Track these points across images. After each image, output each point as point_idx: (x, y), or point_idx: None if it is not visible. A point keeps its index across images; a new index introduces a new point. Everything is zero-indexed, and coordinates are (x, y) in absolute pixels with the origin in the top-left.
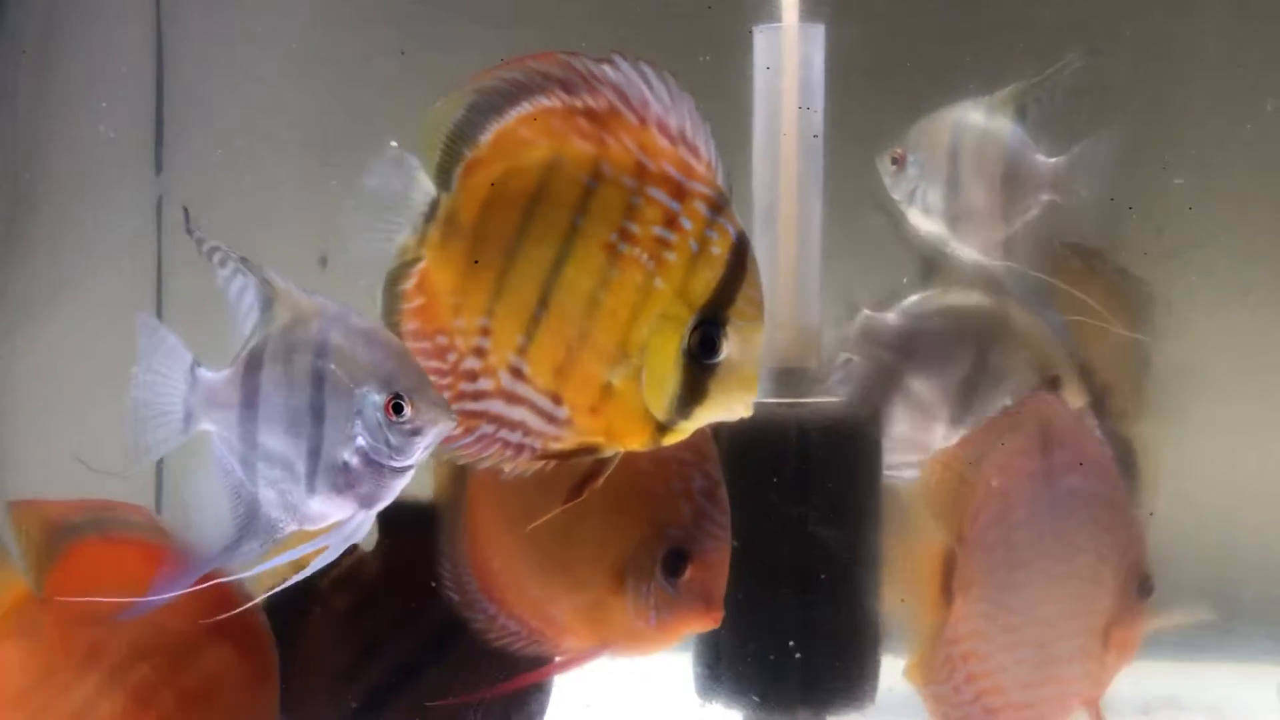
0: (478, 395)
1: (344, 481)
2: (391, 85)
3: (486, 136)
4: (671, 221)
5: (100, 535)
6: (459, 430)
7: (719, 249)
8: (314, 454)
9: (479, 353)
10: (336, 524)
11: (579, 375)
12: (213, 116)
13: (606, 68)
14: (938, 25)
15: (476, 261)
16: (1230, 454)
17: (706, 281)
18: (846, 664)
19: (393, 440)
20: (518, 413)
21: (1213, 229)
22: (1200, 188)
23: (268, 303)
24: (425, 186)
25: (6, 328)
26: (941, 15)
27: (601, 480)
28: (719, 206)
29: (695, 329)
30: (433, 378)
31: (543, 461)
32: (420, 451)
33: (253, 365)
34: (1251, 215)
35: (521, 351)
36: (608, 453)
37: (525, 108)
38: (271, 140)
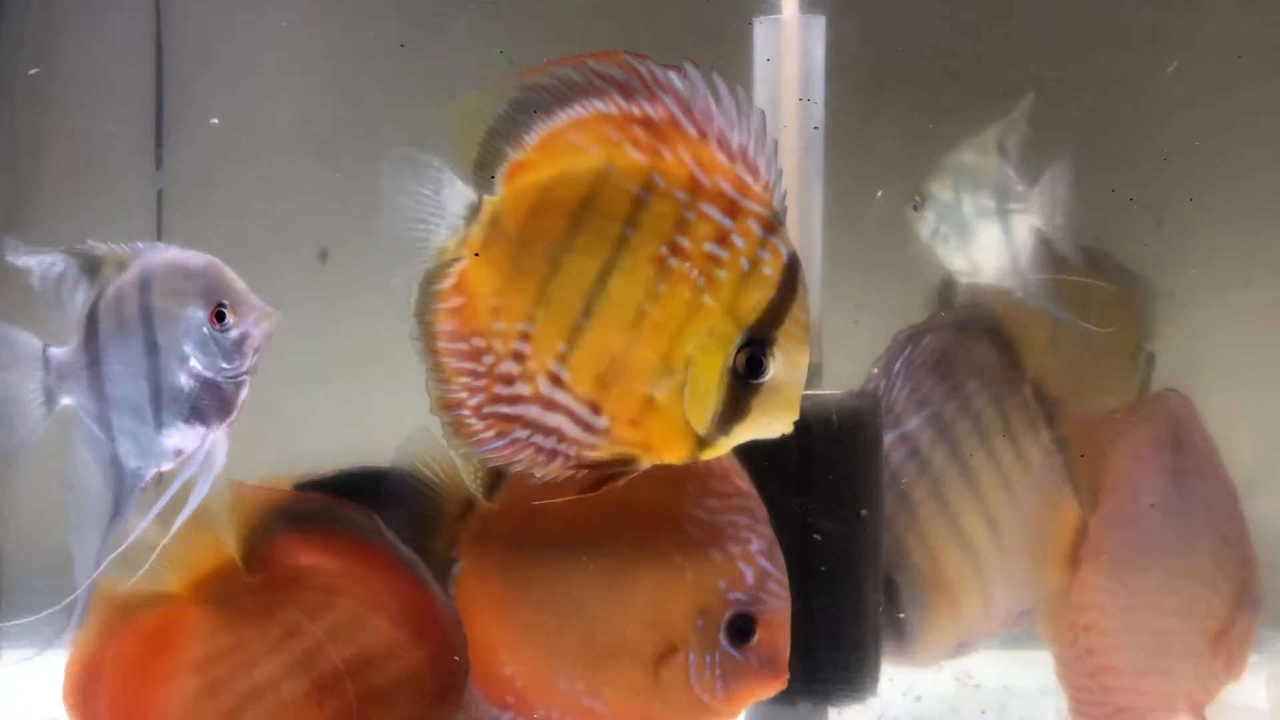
0: (514, 399)
1: (187, 408)
2: (391, 78)
3: (533, 138)
4: (724, 239)
5: (319, 528)
6: (491, 434)
7: (770, 269)
8: (155, 390)
9: (517, 357)
10: (190, 456)
11: (621, 386)
12: (212, 110)
13: (674, 75)
14: (938, 16)
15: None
16: (1230, 445)
17: (756, 301)
18: (847, 655)
19: (222, 350)
20: (554, 419)
21: (1214, 221)
22: (1201, 180)
23: (94, 270)
24: (458, 187)
25: (9, 319)
26: (942, 6)
27: (622, 483)
28: (772, 226)
29: (742, 348)
30: (467, 379)
31: (576, 469)
32: (251, 356)
33: (91, 326)
34: (1252, 207)
35: (562, 359)
36: (644, 464)
37: (578, 111)
38: (271, 133)
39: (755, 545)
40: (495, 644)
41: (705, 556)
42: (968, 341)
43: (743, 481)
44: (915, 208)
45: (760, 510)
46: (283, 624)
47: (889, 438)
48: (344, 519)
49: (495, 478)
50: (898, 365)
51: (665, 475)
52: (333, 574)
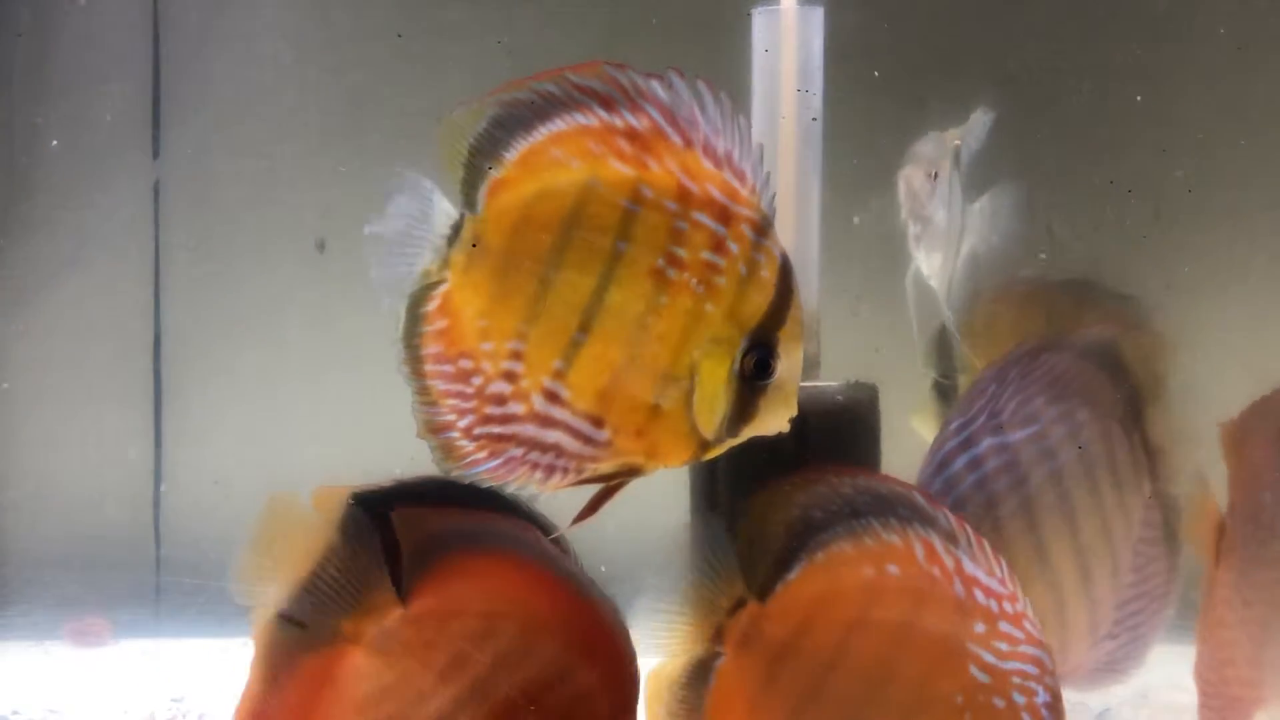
0: (506, 419)
1: None
2: (389, 67)
3: (513, 154)
4: (719, 245)
5: (478, 549)
6: (484, 454)
7: (767, 272)
8: None
9: (509, 376)
10: None
11: (624, 398)
12: (210, 100)
13: (656, 84)
14: (936, 6)
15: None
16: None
17: (757, 305)
18: None
19: None
20: (552, 436)
21: (1211, 213)
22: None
23: None
24: (444, 207)
25: (6, 310)
26: None
27: (617, 495)
28: (763, 229)
29: (748, 352)
30: (455, 401)
31: (576, 482)
32: None
33: None
34: (1250, 199)
35: (559, 375)
36: (647, 471)
37: (558, 125)
38: (269, 122)
39: (1041, 698)
40: None
41: (989, 703)
42: (1087, 369)
43: (1034, 628)
44: (933, 176)
45: (1049, 661)
46: (447, 654)
47: (986, 443)
48: (498, 536)
49: (770, 580)
50: (1011, 373)
51: (954, 608)
52: (493, 597)
